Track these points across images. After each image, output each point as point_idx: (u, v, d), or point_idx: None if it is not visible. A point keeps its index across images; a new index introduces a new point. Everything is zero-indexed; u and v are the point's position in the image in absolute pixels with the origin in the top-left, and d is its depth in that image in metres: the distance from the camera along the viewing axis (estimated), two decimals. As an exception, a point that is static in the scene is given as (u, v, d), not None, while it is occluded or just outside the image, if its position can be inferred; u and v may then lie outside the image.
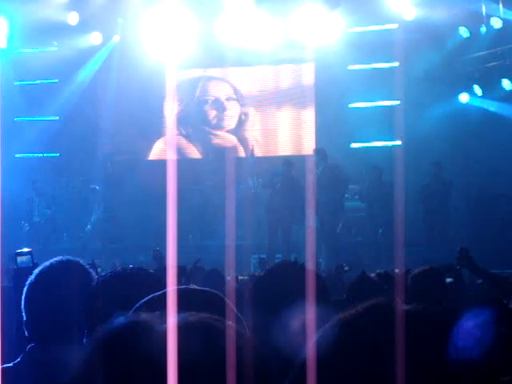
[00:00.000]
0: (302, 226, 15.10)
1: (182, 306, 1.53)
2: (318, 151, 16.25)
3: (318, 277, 3.13)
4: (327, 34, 17.56)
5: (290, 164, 16.08)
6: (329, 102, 17.72)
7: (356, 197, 17.21)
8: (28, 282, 3.20)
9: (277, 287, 2.95)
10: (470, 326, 1.37)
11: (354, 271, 9.15)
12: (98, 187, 18.01)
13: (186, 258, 8.51)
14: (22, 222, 17.78)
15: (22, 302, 3.15)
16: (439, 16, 16.71)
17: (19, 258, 4.73)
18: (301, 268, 3.09)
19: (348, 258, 14.43)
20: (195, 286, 2.26)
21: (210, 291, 2.13)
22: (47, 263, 3.28)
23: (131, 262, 11.06)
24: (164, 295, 2.02)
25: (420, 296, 5.52)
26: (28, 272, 3.52)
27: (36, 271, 3.24)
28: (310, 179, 14.80)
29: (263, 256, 14.19)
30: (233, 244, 13.56)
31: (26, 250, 4.83)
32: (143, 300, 2.09)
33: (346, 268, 10.09)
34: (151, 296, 2.07)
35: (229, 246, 13.06)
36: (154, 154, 19.38)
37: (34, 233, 17.50)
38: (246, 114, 19.17)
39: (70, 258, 3.47)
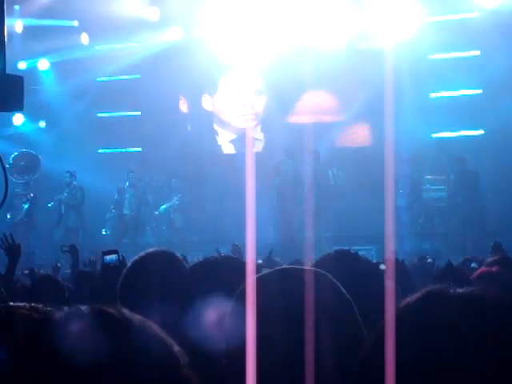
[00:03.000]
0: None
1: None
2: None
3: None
4: (407, 24, 17.39)
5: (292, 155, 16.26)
6: (409, 92, 17.54)
7: (442, 187, 17.06)
8: (125, 269, 3.29)
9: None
10: None
11: (438, 261, 9.05)
12: (174, 180, 18.18)
13: (266, 252, 8.48)
14: (113, 211, 18.03)
15: (118, 289, 3.23)
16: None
17: (106, 257, 4.87)
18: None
19: (431, 248, 14.35)
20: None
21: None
22: (143, 253, 3.37)
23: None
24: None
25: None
26: (115, 269, 3.61)
27: (134, 258, 3.33)
28: None
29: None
30: (312, 235, 13.56)
31: (112, 250, 4.99)
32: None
33: (429, 260, 9.97)
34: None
35: (308, 237, 13.05)
36: (232, 147, 19.46)
37: (123, 225, 17.76)
38: (324, 106, 19.08)
39: (165, 249, 3.57)
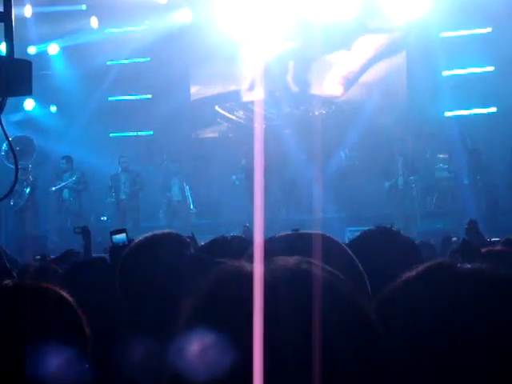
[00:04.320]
0: None
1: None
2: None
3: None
4: (418, 2, 17.28)
5: None
6: (422, 70, 17.44)
7: (444, 166, 17.02)
8: (126, 251, 3.26)
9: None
10: None
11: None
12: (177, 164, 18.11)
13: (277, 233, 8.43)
14: (110, 198, 17.98)
15: (118, 270, 3.19)
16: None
17: (114, 237, 4.83)
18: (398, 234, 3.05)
19: (444, 228, 14.31)
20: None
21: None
22: (149, 234, 3.33)
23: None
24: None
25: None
26: (123, 249, 3.58)
27: (138, 239, 3.29)
28: None
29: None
30: (321, 216, 13.54)
31: (120, 229, 4.94)
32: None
33: (454, 239, 9.78)
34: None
35: (318, 219, 13.04)
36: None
37: (121, 211, 17.73)
38: (335, 87, 19.02)
39: (171, 230, 3.53)
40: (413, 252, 2.95)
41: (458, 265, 1.44)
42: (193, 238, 4.94)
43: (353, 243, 3.01)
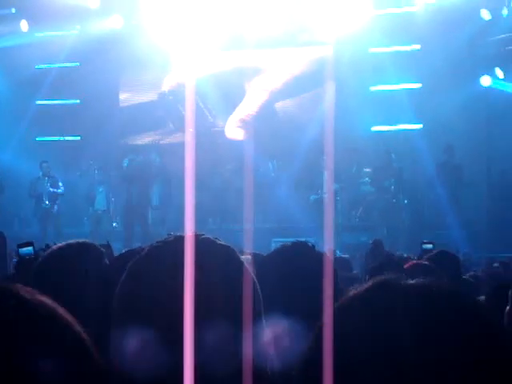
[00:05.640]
0: None
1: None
2: None
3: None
4: (347, 17, 17.45)
5: None
6: (349, 85, 17.62)
7: (369, 180, 17.22)
8: (39, 260, 3.23)
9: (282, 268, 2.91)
10: None
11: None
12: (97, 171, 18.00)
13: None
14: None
15: (32, 279, 3.15)
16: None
17: (21, 250, 4.76)
18: (312, 249, 3.06)
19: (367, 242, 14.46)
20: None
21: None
22: (60, 244, 3.30)
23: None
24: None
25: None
26: (31, 262, 3.54)
27: (49, 250, 3.26)
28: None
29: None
30: (251, 227, 13.56)
31: (28, 242, 4.87)
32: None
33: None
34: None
35: (247, 229, 13.05)
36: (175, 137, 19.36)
37: (44, 217, 17.53)
38: (265, 98, 19.10)
39: (85, 240, 3.50)
40: (326, 267, 2.97)
41: (402, 282, 1.37)
42: (108, 247, 4.90)
43: (267, 257, 3.06)
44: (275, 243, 14.32)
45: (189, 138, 16.17)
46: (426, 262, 5.54)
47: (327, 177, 16.36)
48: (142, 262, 1.93)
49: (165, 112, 19.29)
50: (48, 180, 17.47)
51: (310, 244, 3.12)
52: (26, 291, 1.28)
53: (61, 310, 1.30)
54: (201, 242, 1.97)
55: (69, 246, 3.30)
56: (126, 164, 17.46)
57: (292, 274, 2.78)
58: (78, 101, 19.51)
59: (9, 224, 16.61)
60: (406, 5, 17.59)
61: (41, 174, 17.56)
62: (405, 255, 7.62)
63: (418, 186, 16.70)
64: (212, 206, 17.08)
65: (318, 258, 3.05)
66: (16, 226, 17.30)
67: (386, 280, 1.38)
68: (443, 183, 15.94)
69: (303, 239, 2.98)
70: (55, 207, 17.44)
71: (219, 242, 2.05)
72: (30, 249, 4.60)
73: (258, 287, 1.98)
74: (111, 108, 19.05)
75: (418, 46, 17.63)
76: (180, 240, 1.90)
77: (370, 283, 1.38)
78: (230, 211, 16.97)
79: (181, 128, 18.41)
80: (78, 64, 19.40)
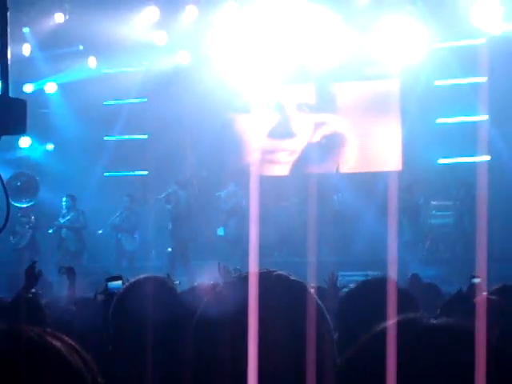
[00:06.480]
0: None
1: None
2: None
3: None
4: (413, 50, 17.43)
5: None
6: (415, 118, 17.56)
7: (448, 213, 17.04)
8: (117, 295, 3.30)
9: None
10: None
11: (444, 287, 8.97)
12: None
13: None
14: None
15: (110, 315, 3.22)
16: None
17: (110, 283, 4.80)
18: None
19: (437, 274, 14.29)
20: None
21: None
22: (135, 279, 3.37)
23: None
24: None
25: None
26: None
27: (126, 285, 3.34)
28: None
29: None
30: (315, 260, 13.52)
31: (117, 276, 4.92)
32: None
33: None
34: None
35: (311, 262, 13.01)
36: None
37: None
38: (333, 132, 19.13)
39: (157, 275, 3.57)
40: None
41: (424, 320, 1.46)
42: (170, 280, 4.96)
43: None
44: (342, 277, 14.25)
45: (254, 173, 16.35)
46: (494, 297, 5.44)
47: (390, 210, 16.27)
48: (217, 299, 1.95)
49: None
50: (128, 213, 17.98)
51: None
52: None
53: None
54: (274, 279, 1.98)
55: (145, 280, 3.37)
56: (223, 195, 17.67)
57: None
58: (146, 136, 19.73)
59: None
60: (470, 37, 17.47)
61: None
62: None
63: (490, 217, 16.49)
64: (277, 239, 17.10)
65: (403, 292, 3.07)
66: (85, 262, 17.62)
67: (410, 319, 1.48)
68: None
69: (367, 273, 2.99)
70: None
71: (292, 277, 2.06)
72: (119, 283, 4.62)
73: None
74: (178, 143, 19.18)
75: (483, 79, 17.48)
76: (252, 277, 1.92)
77: (395, 320, 1.48)
78: (295, 244, 16.96)
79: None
80: (145, 100, 19.66)
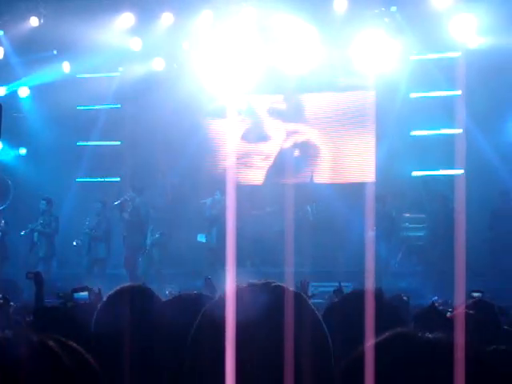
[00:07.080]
0: None
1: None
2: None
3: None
4: (389, 62, 17.49)
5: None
6: (390, 130, 17.62)
7: (421, 225, 17.08)
8: (99, 305, 3.23)
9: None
10: None
11: (413, 300, 8.98)
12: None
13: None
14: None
15: (94, 323, 3.17)
16: (503, 44, 16.51)
17: (76, 294, 4.73)
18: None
19: (408, 287, 14.31)
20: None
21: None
22: (118, 287, 3.31)
23: (188, 289, 11.00)
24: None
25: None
26: (86, 306, 3.52)
27: (108, 293, 3.27)
28: None
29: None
30: (291, 271, 13.48)
31: (83, 286, 4.85)
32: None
33: (404, 298, 9.87)
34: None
35: (287, 272, 12.98)
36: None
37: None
38: (306, 141, 19.15)
39: (140, 283, 3.50)
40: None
41: (419, 334, 1.46)
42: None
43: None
44: (313, 287, 14.23)
45: (230, 182, 16.29)
46: (472, 312, 5.44)
47: (367, 222, 16.27)
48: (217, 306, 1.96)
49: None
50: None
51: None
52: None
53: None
54: (274, 290, 1.96)
55: (125, 289, 3.30)
56: (209, 203, 17.54)
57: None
58: (119, 142, 19.64)
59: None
60: (446, 50, 17.57)
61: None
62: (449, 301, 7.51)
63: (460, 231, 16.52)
64: (251, 248, 17.06)
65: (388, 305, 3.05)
66: (54, 268, 17.47)
67: (402, 333, 1.50)
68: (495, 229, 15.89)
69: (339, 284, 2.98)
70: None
71: (290, 289, 2.05)
72: (85, 294, 4.56)
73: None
74: (152, 150, 19.10)
75: (459, 92, 17.57)
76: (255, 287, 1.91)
77: (388, 335, 1.49)
78: (268, 254, 16.94)
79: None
80: (119, 106, 19.59)
